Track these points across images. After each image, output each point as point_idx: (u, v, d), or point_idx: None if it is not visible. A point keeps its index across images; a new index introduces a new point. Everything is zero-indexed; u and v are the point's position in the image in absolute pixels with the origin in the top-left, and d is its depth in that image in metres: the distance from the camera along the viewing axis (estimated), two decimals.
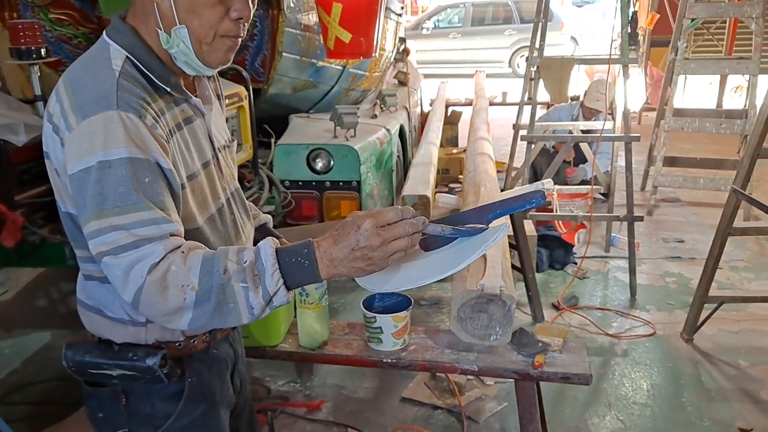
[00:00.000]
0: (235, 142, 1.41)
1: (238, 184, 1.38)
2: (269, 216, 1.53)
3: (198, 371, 1.27)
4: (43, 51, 2.48)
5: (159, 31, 1.13)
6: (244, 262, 1.03)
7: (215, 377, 1.32)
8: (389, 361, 1.99)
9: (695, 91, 8.19)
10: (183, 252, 1.04)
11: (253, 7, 1.18)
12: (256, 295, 1.03)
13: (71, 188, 1.06)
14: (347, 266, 1.05)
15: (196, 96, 1.23)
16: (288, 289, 1.06)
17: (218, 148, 1.29)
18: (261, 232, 1.47)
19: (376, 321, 1.97)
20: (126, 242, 1.02)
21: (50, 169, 1.14)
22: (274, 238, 1.09)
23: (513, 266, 2.79)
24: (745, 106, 5.17)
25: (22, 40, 2.40)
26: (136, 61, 1.11)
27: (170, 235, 1.05)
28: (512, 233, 3.24)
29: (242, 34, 1.17)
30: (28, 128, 2.27)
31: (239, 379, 1.46)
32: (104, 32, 1.15)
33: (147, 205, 1.04)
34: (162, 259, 1.02)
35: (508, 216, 1.22)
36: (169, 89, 1.15)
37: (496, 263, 2.06)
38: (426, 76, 7.50)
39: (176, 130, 1.15)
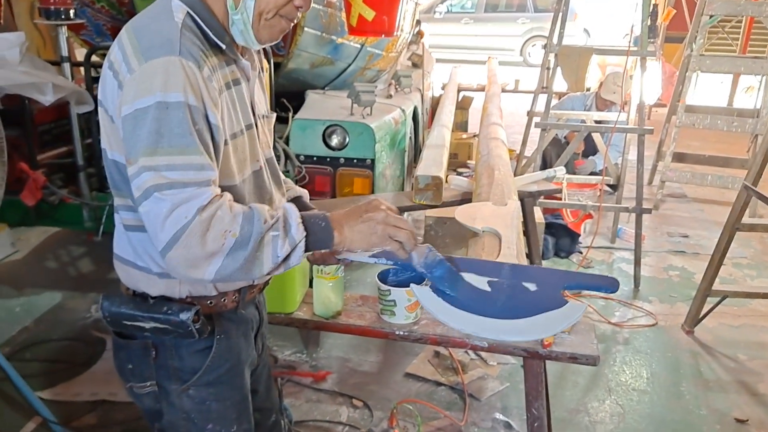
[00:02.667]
0: (274, 115, 1.46)
1: (272, 154, 1.41)
2: (305, 191, 1.56)
3: (226, 329, 1.32)
4: (71, 12, 2.50)
5: None
6: (277, 216, 1.12)
7: (242, 337, 1.37)
8: (401, 333, 2.03)
9: (706, 89, 8.18)
10: (227, 201, 1.09)
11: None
12: (283, 244, 1.11)
13: (124, 128, 1.08)
14: (353, 229, 1.18)
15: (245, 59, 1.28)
16: (306, 248, 1.15)
17: (258, 116, 1.32)
18: (296, 204, 1.51)
19: (390, 294, 2.01)
20: (175, 180, 1.05)
21: (102, 115, 1.17)
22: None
23: None
24: (755, 105, 5.18)
25: (52, 0, 2.42)
26: (196, 16, 1.16)
27: (213, 183, 1.09)
28: (522, 219, 3.27)
29: (295, 21, 1.24)
30: (56, 88, 2.29)
31: (261, 342, 1.50)
32: None
33: (199, 150, 1.08)
34: (209, 202, 1.06)
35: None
36: (224, 47, 1.19)
37: (511, 244, 2.09)
38: (437, 60, 7.49)
39: (225, 88, 1.20)
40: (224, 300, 1.29)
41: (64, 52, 2.56)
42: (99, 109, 1.19)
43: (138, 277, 1.25)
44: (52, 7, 2.42)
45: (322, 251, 1.36)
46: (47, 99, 2.28)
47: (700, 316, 3.22)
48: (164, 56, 1.07)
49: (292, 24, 1.25)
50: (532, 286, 1.25)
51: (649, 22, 3.53)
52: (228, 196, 1.11)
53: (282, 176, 1.51)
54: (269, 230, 1.09)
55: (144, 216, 1.08)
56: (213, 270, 1.07)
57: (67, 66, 2.60)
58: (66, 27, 2.56)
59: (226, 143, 1.17)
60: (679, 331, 3.27)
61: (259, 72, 1.40)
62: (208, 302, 1.27)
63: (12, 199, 2.56)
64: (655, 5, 3.56)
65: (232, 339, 1.33)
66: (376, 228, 1.17)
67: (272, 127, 1.46)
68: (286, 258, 1.12)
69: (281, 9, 1.19)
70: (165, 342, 1.27)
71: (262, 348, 1.51)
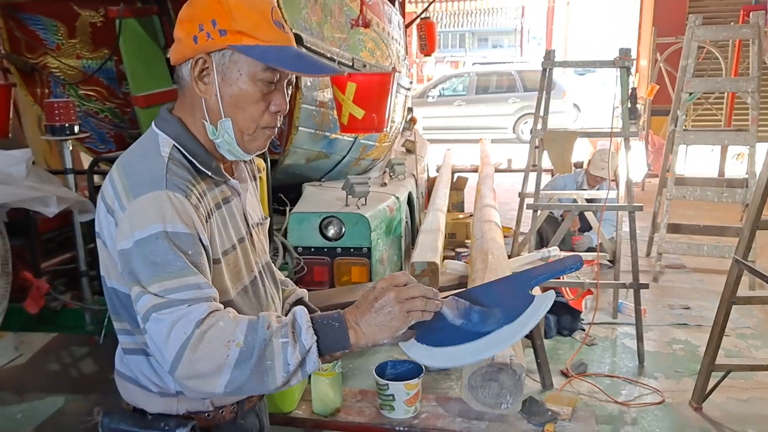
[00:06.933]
0: (268, 220, 1.51)
1: (269, 258, 1.47)
2: (305, 291, 1.58)
3: None
4: (76, 128, 2.63)
5: (205, 122, 1.24)
6: (285, 321, 1.12)
7: None
8: (401, 429, 2.03)
9: (697, 157, 8.34)
10: (230, 312, 1.11)
11: (288, 99, 1.30)
12: (294, 351, 1.08)
13: (121, 262, 1.14)
14: (371, 324, 1.14)
15: (234, 178, 1.34)
16: (320, 353, 1.12)
17: (252, 225, 1.38)
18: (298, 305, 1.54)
19: (388, 388, 2.03)
20: (173, 299, 1.08)
21: (101, 246, 1.23)
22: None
23: None
24: (746, 173, 5.29)
25: (57, 118, 2.55)
26: (181, 148, 1.23)
27: (212, 299, 1.13)
28: None
29: (279, 125, 1.29)
30: (60, 200, 2.39)
31: None
32: (153, 123, 1.28)
33: (193, 271, 1.11)
34: (207, 315, 1.08)
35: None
36: (210, 173, 1.26)
37: None
38: (431, 141, 7.70)
39: (215, 209, 1.25)
40: (222, 412, 1.31)
41: (68, 164, 2.68)
42: (97, 240, 1.24)
43: (137, 394, 1.28)
44: (57, 124, 2.56)
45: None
46: (51, 211, 2.36)
47: (707, 391, 3.18)
48: (152, 191, 1.13)
49: (276, 129, 1.28)
50: (503, 298, 1.24)
51: (629, 104, 3.68)
52: (231, 309, 1.13)
53: (281, 276, 1.56)
54: (275, 336, 1.08)
55: (148, 340, 1.11)
56: (222, 383, 1.06)
57: (71, 177, 2.71)
58: (70, 140, 2.69)
59: (218, 262, 1.22)
60: (687, 408, 3.22)
61: (253, 180, 1.47)
62: (206, 415, 1.29)
63: (14, 307, 2.60)
64: (634, 89, 3.71)
65: None
66: (393, 312, 1.13)
67: (267, 231, 1.52)
68: (301, 365, 1.10)
69: (260, 121, 1.23)
70: None
71: None
